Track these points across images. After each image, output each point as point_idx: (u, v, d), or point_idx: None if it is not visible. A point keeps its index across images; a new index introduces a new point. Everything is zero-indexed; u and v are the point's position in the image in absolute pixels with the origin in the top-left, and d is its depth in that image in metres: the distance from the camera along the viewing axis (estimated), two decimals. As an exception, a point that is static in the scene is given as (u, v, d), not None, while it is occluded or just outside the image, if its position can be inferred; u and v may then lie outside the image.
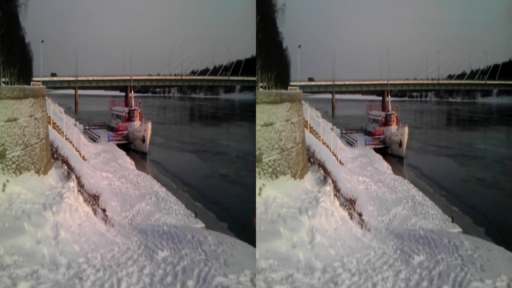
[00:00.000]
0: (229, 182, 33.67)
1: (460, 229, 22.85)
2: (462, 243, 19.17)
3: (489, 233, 22.83)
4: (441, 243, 19.43)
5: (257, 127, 23.71)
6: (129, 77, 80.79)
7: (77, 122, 52.86)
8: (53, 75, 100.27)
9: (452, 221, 23.57)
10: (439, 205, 26.18)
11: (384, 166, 36.08)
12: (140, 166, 36.50)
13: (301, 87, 33.57)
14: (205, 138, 54.19)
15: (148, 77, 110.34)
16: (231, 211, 26.02)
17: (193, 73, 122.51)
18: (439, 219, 24.04)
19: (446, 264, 17.56)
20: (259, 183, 22.37)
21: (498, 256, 18.38)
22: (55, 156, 28.84)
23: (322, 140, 34.89)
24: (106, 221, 21.90)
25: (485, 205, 27.60)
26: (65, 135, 37.61)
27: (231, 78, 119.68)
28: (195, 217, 24.03)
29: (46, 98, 31.31)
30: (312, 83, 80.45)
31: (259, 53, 27.31)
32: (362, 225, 21.71)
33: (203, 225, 23.25)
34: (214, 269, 16.96)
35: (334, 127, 48.11)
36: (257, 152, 23.42)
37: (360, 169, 33.96)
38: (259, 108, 23.92)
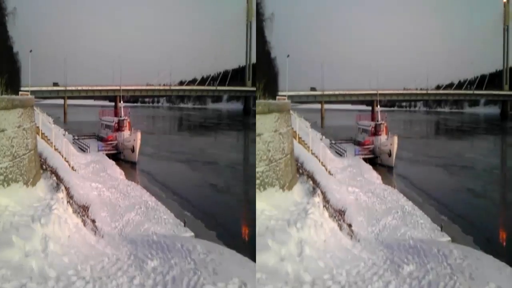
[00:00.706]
0: (219, 191, 33.68)
1: (449, 238, 22.81)
2: (451, 252, 19.21)
3: (477, 242, 22.72)
4: (431, 253, 19.38)
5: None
6: (118, 87, 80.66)
7: (66, 132, 52.61)
8: (55, 84, 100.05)
9: (441, 230, 23.54)
10: (428, 214, 26.09)
11: (374, 176, 35.99)
12: (129, 176, 36.38)
13: (289, 97, 33.56)
14: (195, 147, 54.34)
15: (138, 87, 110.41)
16: (220, 220, 26.14)
17: (181, 83, 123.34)
18: (428, 229, 23.96)
19: (435, 273, 17.62)
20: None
21: (486, 265, 18.47)
22: (44, 167, 28.62)
23: (311, 150, 34.79)
24: (95, 232, 21.74)
25: (474, 214, 27.71)
26: (54, 146, 37.34)
27: (219, 88, 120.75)
28: (184, 226, 24.00)
29: (35, 108, 31.12)
30: (302, 92, 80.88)
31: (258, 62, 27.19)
32: (351, 236, 21.63)
33: (192, 234, 23.17)
34: (203, 278, 16.98)
35: (323, 137, 48.24)
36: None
37: (349, 179, 33.85)
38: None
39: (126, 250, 19.79)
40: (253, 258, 18.50)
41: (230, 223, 25.89)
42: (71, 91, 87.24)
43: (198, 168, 41.94)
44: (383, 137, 44.51)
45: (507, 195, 33.57)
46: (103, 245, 20.27)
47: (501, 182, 38.75)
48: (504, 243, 24.02)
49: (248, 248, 20.74)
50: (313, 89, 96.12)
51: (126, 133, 45.60)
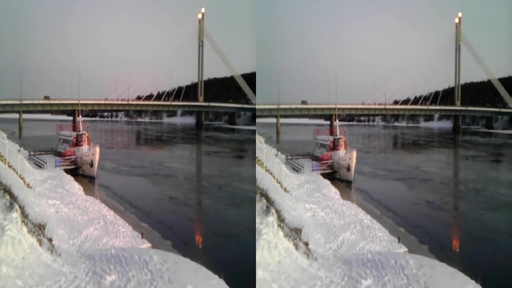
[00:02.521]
0: (176, 203, 33.81)
1: (406, 249, 23.13)
2: (408, 263, 19.47)
3: (432, 251, 23.36)
4: (388, 265, 19.47)
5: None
6: (77, 101, 79.14)
7: (21, 148, 51.15)
8: (46, 98, 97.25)
9: (399, 242, 23.80)
10: (386, 227, 26.33)
11: (332, 191, 35.61)
12: (88, 191, 35.80)
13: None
14: (154, 161, 54.25)
15: (97, 101, 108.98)
16: (176, 229, 26.60)
17: (138, 98, 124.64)
18: (386, 241, 24.09)
19: (392, 285, 17.95)
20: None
21: (440, 272, 18.93)
22: (-4, 185, 27.66)
23: (266, 167, 34.31)
24: (52, 251, 21.15)
25: (429, 224, 28.39)
26: (8, 162, 36.25)
27: (173, 103, 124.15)
28: (142, 237, 23.92)
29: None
30: (262, 106, 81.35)
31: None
32: (308, 255, 21.24)
33: (150, 244, 23.21)
34: None
35: (279, 152, 48.10)
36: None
37: (306, 195, 33.47)
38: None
39: (84, 267, 19.39)
40: (205, 264, 19.28)
41: (185, 232, 26.69)
42: (27, 105, 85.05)
43: (157, 180, 41.83)
44: (341, 152, 44.21)
45: (459, 205, 34.78)
46: (60, 264, 19.75)
47: (455, 193, 40.08)
48: (458, 250, 24.99)
49: (202, 255, 21.88)
50: (304, 102, 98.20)
51: (84, 147, 44.84)
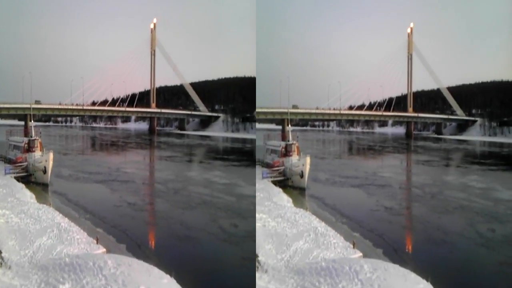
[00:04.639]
0: (136, 210, 33.42)
1: (361, 254, 23.02)
2: (362, 268, 19.52)
3: (387, 254, 23.62)
4: (342, 271, 19.26)
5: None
6: (29, 105, 76.66)
7: (-32, 155, 49.05)
8: (37, 102, 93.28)
9: (354, 247, 23.66)
10: (341, 233, 26.00)
11: (284, 199, 34.60)
12: (41, 198, 34.75)
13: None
14: (112, 167, 53.57)
15: (50, 106, 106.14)
16: (130, 232, 26.52)
17: (93, 103, 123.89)
18: (341, 247, 23.72)
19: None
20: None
21: (393, 274, 19.23)
22: None
23: None
24: (1, 263, 20.41)
25: (384, 228, 28.82)
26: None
27: (127, 109, 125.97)
28: (97, 243, 23.55)
29: None
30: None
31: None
32: (257, 268, 19.69)
33: (104, 250, 22.89)
34: (114, 292, 17.05)
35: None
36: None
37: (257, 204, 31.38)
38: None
39: (36, 278, 18.80)
40: (157, 265, 19.74)
41: (139, 234, 26.62)
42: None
43: (118, 187, 41.20)
44: (294, 158, 42.52)
45: (417, 209, 35.69)
46: (10, 276, 19.06)
47: (412, 197, 41.21)
48: (410, 251, 25.69)
49: (155, 255, 22.53)
50: (295, 106, 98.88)
51: (37, 153, 43.46)
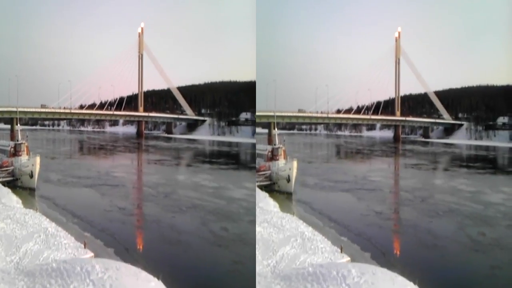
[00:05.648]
0: (119, 211, 33.39)
1: (349, 258, 22.98)
2: (350, 272, 19.46)
3: (374, 257, 23.69)
4: (330, 276, 19.16)
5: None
6: (15, 109, 75.80)
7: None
8: (43, 106, 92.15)
9: (341, 252, 23.53)
10: (328, 238, 25.81)
11: (271, 204, 34.19)
12: (28, 203, 34.43)
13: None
14: (101, 171, 53.29)
15: (37, 109, 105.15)
16: (118, 236, 26.50)
17: (81, 107, 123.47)
18: (328, 252, 23.27)
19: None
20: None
21: (381, 278, 19.29)
22: None
23: None
24: (-13, 270, 20.19)
25: (371, 232, 28.87)
26: None
27: (115, 113, 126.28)
28: (84, 247, 23.37)
29: None
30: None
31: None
32: None
33: (92, 254, 22.73)
34: (101, 296, 16.95)
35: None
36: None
37: None
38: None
39: (23, 284, 18.62)
40: (145, 268, 19.63)
41: (127, 238, 26.77)
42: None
43: (108, 192, 40.88)
44: (281, 162, 41.87)
45: (407, 213, 35.59)
46: (-5, 283, 18.91)
47: (397, 200, 41.39)
48: (398, 254, 25.86)
49: (142, 258, 22.58)
50: (301, 110, 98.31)
51: (23, 157, 43.05)
